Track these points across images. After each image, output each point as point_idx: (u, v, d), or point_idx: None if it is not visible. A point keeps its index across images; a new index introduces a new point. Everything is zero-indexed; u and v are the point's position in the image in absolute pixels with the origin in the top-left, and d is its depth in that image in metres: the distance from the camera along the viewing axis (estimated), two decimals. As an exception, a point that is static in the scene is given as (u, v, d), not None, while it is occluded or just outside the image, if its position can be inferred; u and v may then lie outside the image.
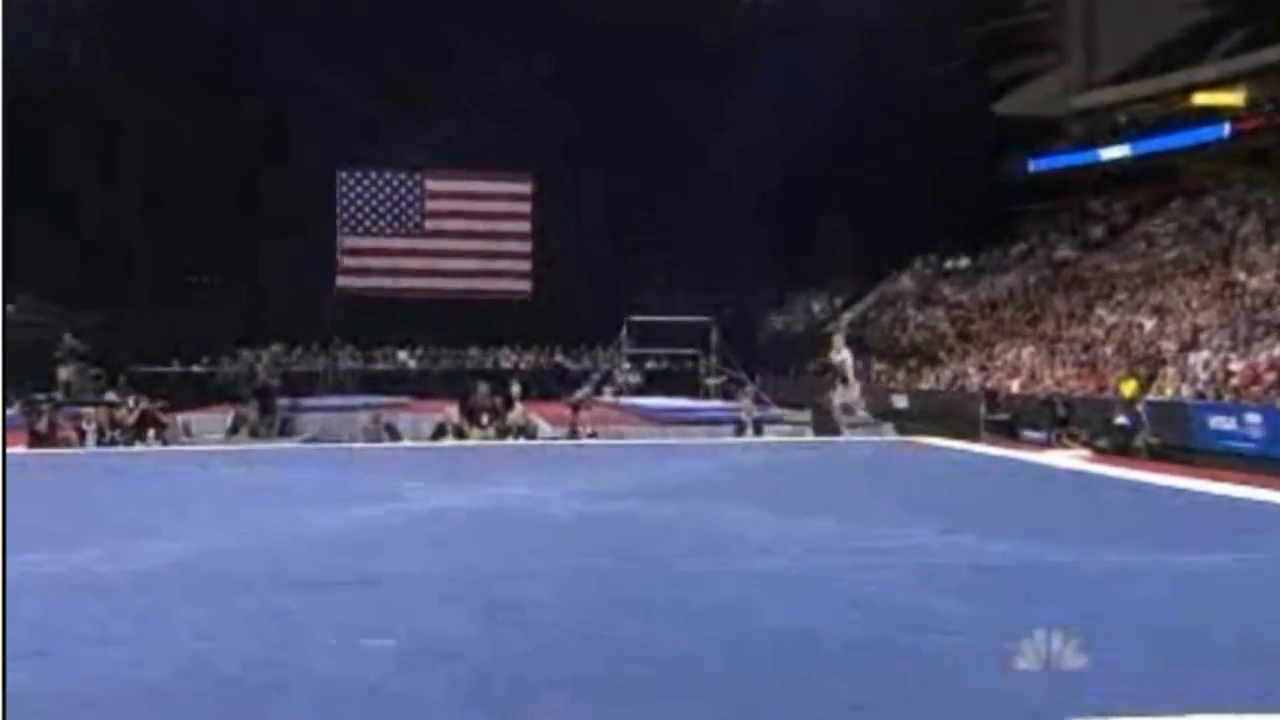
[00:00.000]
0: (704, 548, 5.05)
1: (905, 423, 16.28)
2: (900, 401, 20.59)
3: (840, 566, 4.47)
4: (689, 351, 21.84)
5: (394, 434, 12.65)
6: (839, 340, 8.74)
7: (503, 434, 13.12)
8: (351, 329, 27.28)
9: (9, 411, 16.31)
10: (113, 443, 11.36)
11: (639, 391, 22.22)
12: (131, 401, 14.32)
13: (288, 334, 26.30)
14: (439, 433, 12.19)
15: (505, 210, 28.63)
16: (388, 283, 28.16)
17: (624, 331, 20.07)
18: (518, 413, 15.38)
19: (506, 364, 26.60)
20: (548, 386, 22.96)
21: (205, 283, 28.80)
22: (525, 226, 28.70)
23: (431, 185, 28.51)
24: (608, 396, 21.82)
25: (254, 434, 14.02)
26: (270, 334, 25.87)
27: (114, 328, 22.56)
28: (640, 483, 7.56)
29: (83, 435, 11.21)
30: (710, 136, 25.95)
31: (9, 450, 10.37)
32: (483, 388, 13.36)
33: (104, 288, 24.34)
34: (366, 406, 18.13)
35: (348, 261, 28.41)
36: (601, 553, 4.89)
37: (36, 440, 10.69)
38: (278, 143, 25.94)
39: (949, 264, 30.38)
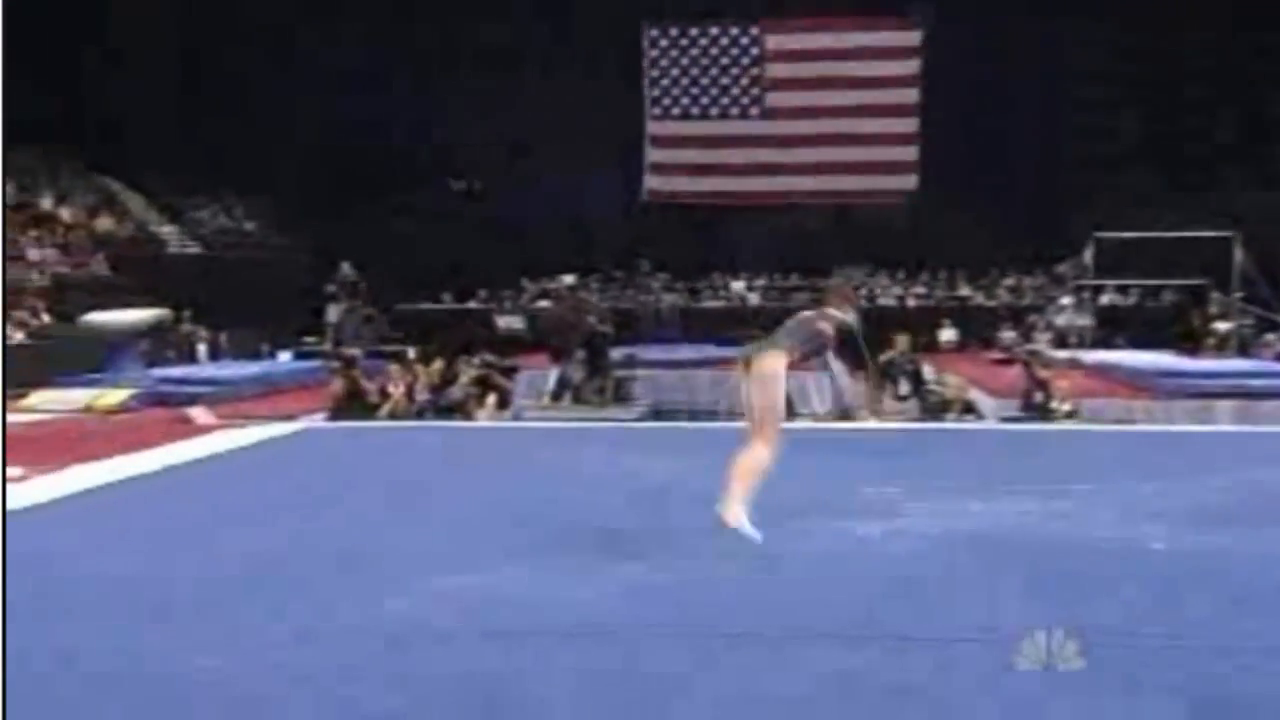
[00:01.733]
0: None
1: None
2: None
3: None
4: (1193, 282, 20.37)
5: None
6: (837, 291, 6.87)
7: (932, 411, 12.91)
8: (662, 250, 28.13)
9: (285, 356, 18.60)
10: (420, 412, 12.40)
11: (1097, 341, 21.12)
12: (410, 357, 15.68)
13: (572, 257, 27.73)
14: (843, 411, 12.15)
15: (882, 74, 27.90)
16: (712, 185, 28.70)
17: (1088, 252, 18.98)
18: (932, 375, 15.16)
19: (886, 299, 26.36)
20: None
21: (469, 190, 30.90)
22: (912, 96, 27.95)
23: (774, 43, 28.50)
24: (1043, 348, 20.98)
25: (578, 399, 14.85)
26: (550, 258, 27.46)
27: (367, 249, 24.77)
28: (1231, 496, 7.08)
29: (404, 398, 12.31)
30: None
31: (309, 424, 11.63)
32: (901, 340, 13.20)
33: (340, 198, 26.86)
34: (709, 361, 18.77)
35: (657, 156, 29.16)
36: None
37: (340, 407, 11.91)
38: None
39: None
